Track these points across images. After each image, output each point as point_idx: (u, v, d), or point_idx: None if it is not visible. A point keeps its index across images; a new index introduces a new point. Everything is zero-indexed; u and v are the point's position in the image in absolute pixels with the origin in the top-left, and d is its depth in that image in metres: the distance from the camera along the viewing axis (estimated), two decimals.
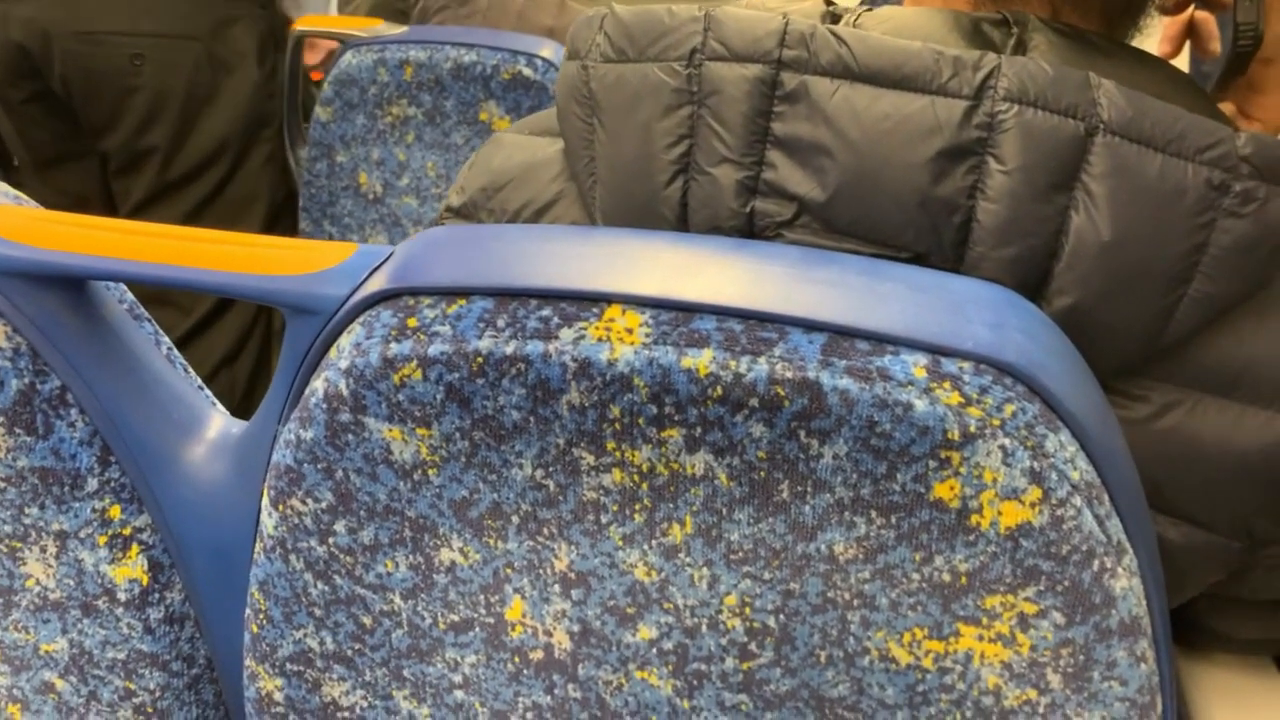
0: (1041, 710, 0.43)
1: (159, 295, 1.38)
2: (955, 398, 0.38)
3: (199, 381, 0.56)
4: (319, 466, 0.44)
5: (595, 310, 0.41)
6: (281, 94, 1.47)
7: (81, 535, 0.52)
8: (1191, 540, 0.48)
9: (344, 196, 1.44)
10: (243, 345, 1.50)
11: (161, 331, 0.56)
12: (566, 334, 0.40)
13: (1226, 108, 0.64)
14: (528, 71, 1.26)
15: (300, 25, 1.42)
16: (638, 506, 0.43)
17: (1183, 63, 0.69)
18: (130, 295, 0.55)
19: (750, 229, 0.47)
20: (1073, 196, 0.44)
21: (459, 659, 0.48)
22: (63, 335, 0.49)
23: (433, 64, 1.30)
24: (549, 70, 1.26)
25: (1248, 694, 0.64)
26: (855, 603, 0.42)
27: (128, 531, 0.52)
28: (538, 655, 0.47)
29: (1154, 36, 0.64)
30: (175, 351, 0.56)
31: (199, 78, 1.41)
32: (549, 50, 1.26)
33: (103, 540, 0.52)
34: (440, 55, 1.29)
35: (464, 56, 1.28)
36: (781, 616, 0.43)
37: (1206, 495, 0.48)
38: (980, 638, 0.42)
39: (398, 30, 1.34)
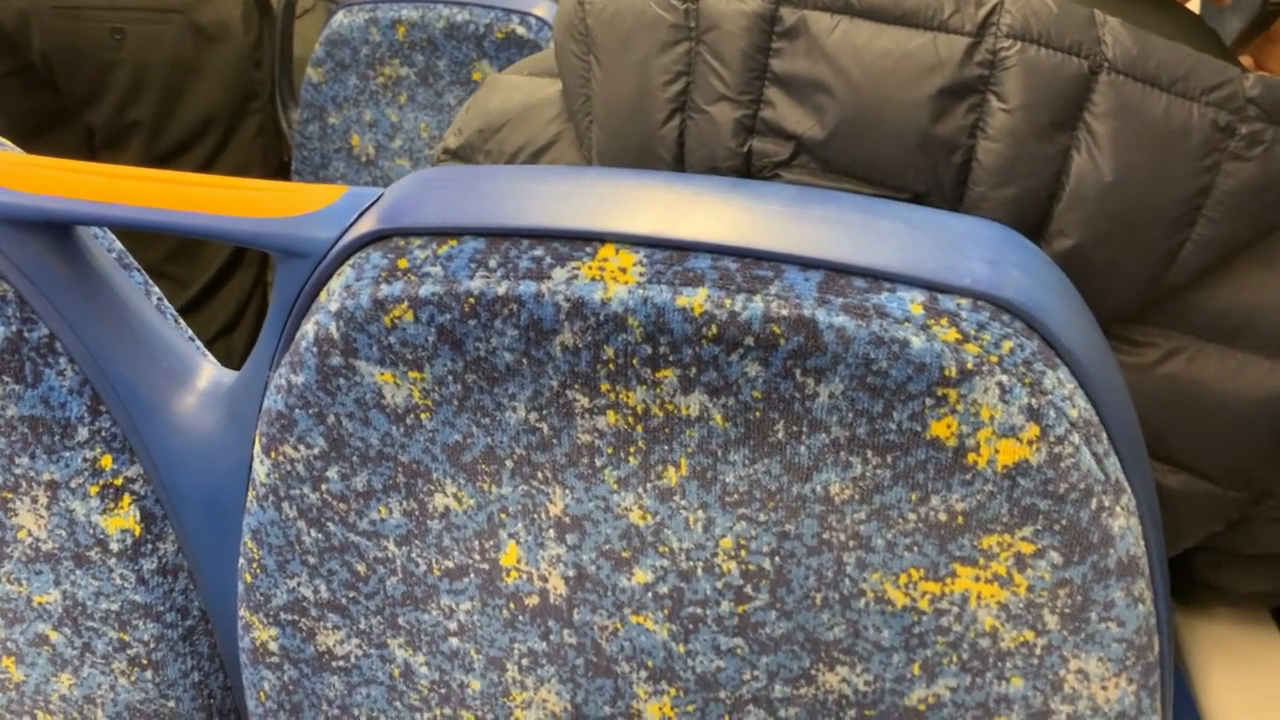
0: (1038, 652, 0.43)
1: (156, 267, 1.37)
2: (952, 334, 0.37)
3: (189, 332, 0.56)
4: (310, 412, 0.44)
5: (588, 250, 0.40)
6: (273, 59, 1.45)
7: (73, 485, 0.51)
8: (1190, 489, 0.48)
9: (336, 159, 1.43)
10: (240, 316, 1.49)
11: (151, 281, 0.56)
12: (559, 274, 0.40)
13: (1245, 61, 0.63)
14: (521, 30, 1.24)
15: None
16: (632, 449, 0.42)
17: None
18: (119, 244, 0.54)
19: (748, 169, 0.47)
20: (1075, 136, 0.43)
21: (454, 606, 0.48)
22: (50, 282, 0.49)
23: (425, 23, 1.28)
24: (543, 29, 1.24)
25: (1246, 648, 0.64)
26: (851, 544, 0.42)
27: (119, 481, 0.52)
28: (533, 601, 0.47)
29: None
30: (165, 302, 0.56)
31: (182, 50, 1.39)
32: (542, 8, 1.25)
33: (94, 490, 0.52)
34: (433, 14, 1.27)
35: (456, 15, 1.26)
36: (777, 559, 0.43)
37: (1206, 444, 0.47)
38: (977, 578, 0.42)
39: None
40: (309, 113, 1.40)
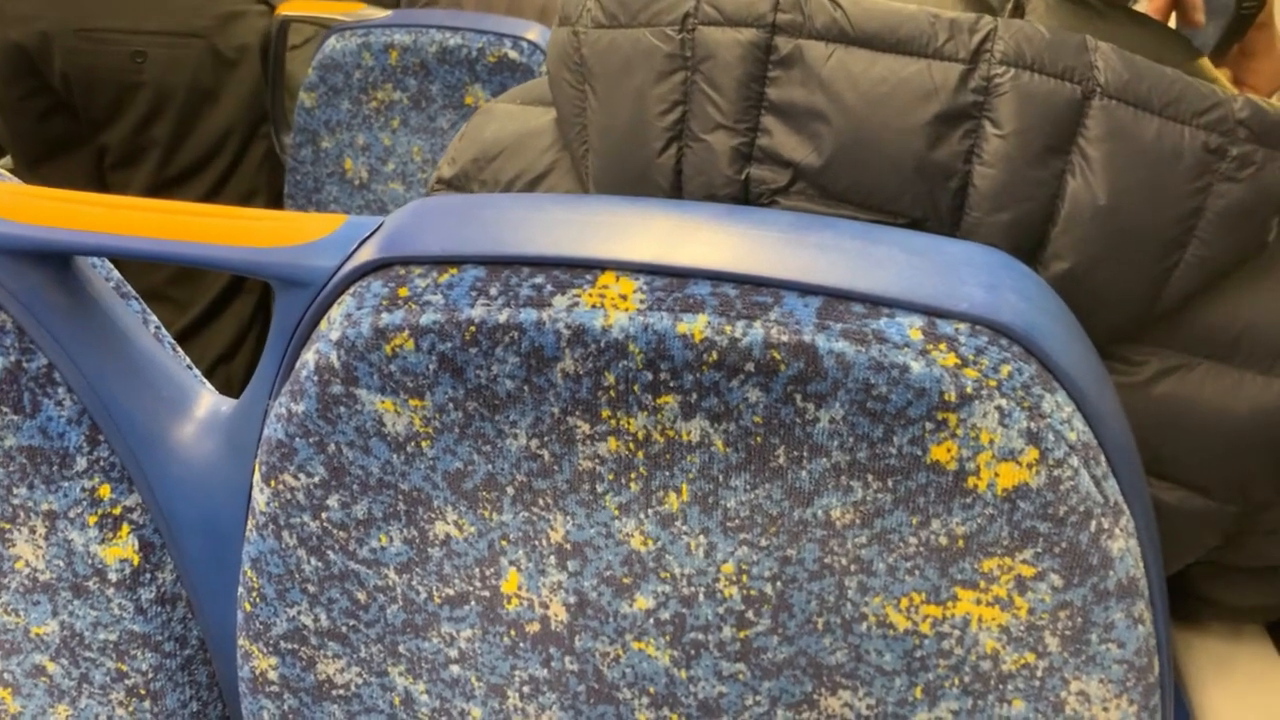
0: (1040, 674, 0.43)
1: (154, 291, 1.37)
2: (951, 359, 0.38)
3: (187, 360, 0.56)
4: (311, 440, 0.44)
5: (588, 277, 0.40)
6: (265, 79, 1.46)
7: (71, 515, 0.51)
8: (1188, 505, 0.48)
9: (329, 183, 1.43)
10: (240, 343, 1.49)
11: (149, 310, 0.56)
12: (560, 301, 0.40)
13: (1221, 74, 0.64)
14: (513, 54, 1.25)
15: (284, 10, 1.41)
16: (633, 475, 0.42)
17: None
18: (116, 273, 0.55)
19: (745, 196, 0.47)
20: (1069, 160, 0.44)
21: (455, 633, 0.48)
22: (48, 312, 0.49)
23: (417, 47, 1.29)
24: (534, 53, 1.25)
25: (1242, 664, 0.64)
26: (852, 568, 0.42)
27: (118, 511, 0.52)
28: (534, 628, 0.47)
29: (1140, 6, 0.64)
30: (164, 330, 0.56)
31: (202, 74, 1.39)
32: (534, 33, 1.26)
33: (93, 520, 0.52)
34: (425, 38, 1.28)
35: (449, 39, 1.27)
36: (779, 583, 0.43)
37: (1203, 460, 0.48)
38: (978, 601, 0.42)
39: (381, 14, 1.33)
40: (302, 137, 1.40)
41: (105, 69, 1.37)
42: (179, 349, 0.56)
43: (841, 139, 0.45)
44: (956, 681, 0.44)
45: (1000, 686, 0.44)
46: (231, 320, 1.48)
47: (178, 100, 1.39)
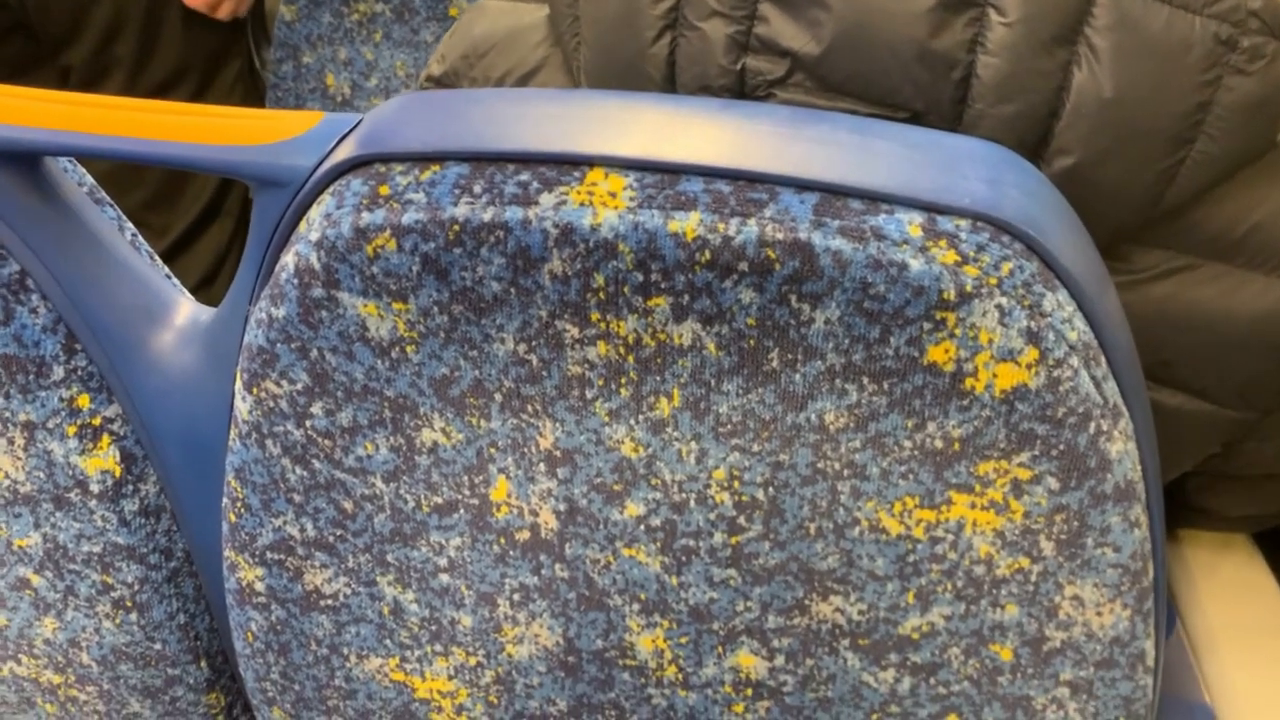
0: (1034, 578, 0.43)
1: (130, 215, 1.34)
2: (951, 256, 0.37)
3: (165, 269, 0.54)
4: (293, 346, 0.43)
5: (576, 174, 0.39)
6: None
7: (49, 426, 0.50)
8: (1189, 409, 0.48)
9: (311, 99, 1.40)
10: (220, 266, 1.47)
11: (124, 216, 0.54)
12: (547, 199, 0.39)
13: None
14: None
15: None
16: (624, 380, 0.41)
17: None
18: (90, 178, 0.53)
19: (741, 88, 0.46)
20: (1075, 51, 0.42)
21: (443, 542, 0.47)
22: (18, 216, 0.47)
23: None
24: None
25: (1230, 571, 0.65)
26: (845, 473, 0.42)
27: (97, 421, 0.51)
28: (524, 536, 0.46)
29: None
30: (140, 238, 0.54)
31: None
32: None
33: (72, 430, 0.51)
34: None
35: None
36: (770, 489, 0.43)
37: (1205, 363, 0.47)
38: (972, 505, 0.41)
39: None
40: (282, 52, 1.37)
41: None
42: (156, 257, 0.54)
43: (841, 26, 0.43)
44: (949, 586, 0.44)
45: (993, 591, 0.44)
46: (210, 244, 1.45)
47: (139, 14, 1.35)
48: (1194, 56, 0.42)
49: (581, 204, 0.38)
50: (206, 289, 1.45)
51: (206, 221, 1.44)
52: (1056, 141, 0.43)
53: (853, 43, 0.43)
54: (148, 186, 1.34)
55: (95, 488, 0.52)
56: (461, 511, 0.46)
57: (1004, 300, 0.37)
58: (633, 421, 0.42)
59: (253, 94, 1.46)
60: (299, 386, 0.44)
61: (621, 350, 0.41)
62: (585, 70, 0.48)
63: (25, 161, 0.47)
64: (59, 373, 0.49)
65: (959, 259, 0.37)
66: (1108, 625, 0.44)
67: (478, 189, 0.39)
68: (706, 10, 0.45)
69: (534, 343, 0.41)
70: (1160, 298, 0.46)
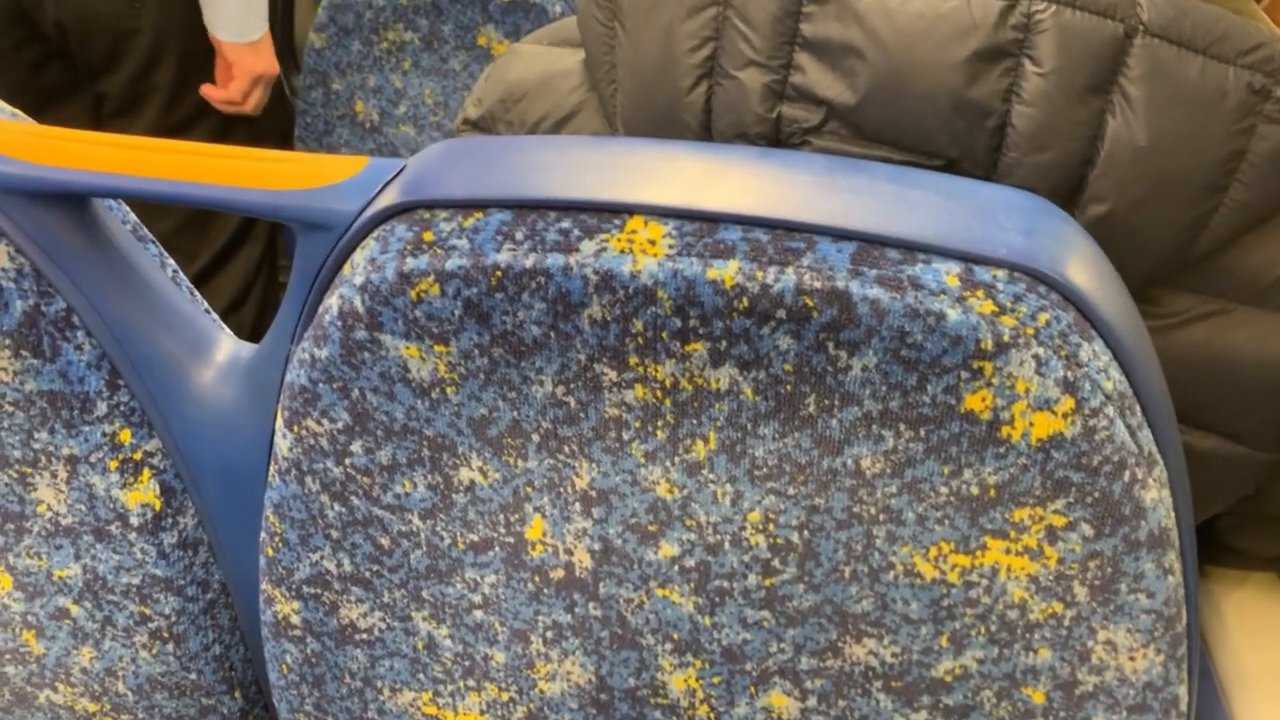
0: (1067, 623, 0.43)
1: (161, 240, 1.35)
2: (989, 306, 0.37)
3: (205, 304, 0.55)
4: (335, 386, 0.44)
5: (616, 222, 0.40)
6: (274, 19, 1.43)
7: (92, 460, 0.51)
8: (1220, 453, 0.48)
9: (340, 125, 1.41)
10: (249, 290, 1.48)
11: (166, 254, 0.55)
12: (588, 246, 0.39)
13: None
14: None
15: None
16: (660, 423, 0.42)
17: None
18: (133, 216, 0.54)
19: (777, 136, 0.46)
20: (1110, 100, 0.43)
21: (479, 579, 0.48)
22: (66, 255, 0.48)
23: None
24: None
25: (1264, 612, 0.64)
26: (881, 517, 0.42)
27: (139, 456, 0.52)
28: (558, 574, 0.47)
29: None
30: (181, 274, 0.55)
31: (199, 16, 1.37)
32: None
33: (114, 465, 0.51)
34: None
35: None
36: (805, 532, 0.43)
37: (1237, 407, 0.47)
38: (1007, 551, 0.42)
39: None
40: (312, 79, 1.38)
41: (101, 16, 1.34)
42: (196, 294, 0.55)
43: (877, 76, 0.43)
44: (983, 630, 0.44)
45: (1027, 635, 0.44)
46: (239, 268, 1.47)
47: (178, 44, 1.37)
48: (1228, 105, 0.42)
49: (622, 251, 0.39)
50: (235, 313, 1.47)
51: (235, 246, 1.46)
52: (1090, 189, 0.43)
53: (888, 92, 0.44)
54: (178, 213, 1.35)
55: (135, 520, 0.53)
56: (497, 549, 0.47)
57: (1041, 350, 0.37)
58: (669, 463, 0.43)
59: (286, 117, 1.48)
60: (339, 425, 0.45)
61: (659, 394, 0.41)
62: (622, 116, 0.49)
63: (73, 202, 0.48)
64: (102, 408, 0.50)
65: (996, 309, 0.37)
66: (1141, 670, 0.44)
67: (520, 236, 0.40)
68: (743, 59, 0.45)
69: (572, 385, 0.42)
70: (1193, 343, 0.46)
